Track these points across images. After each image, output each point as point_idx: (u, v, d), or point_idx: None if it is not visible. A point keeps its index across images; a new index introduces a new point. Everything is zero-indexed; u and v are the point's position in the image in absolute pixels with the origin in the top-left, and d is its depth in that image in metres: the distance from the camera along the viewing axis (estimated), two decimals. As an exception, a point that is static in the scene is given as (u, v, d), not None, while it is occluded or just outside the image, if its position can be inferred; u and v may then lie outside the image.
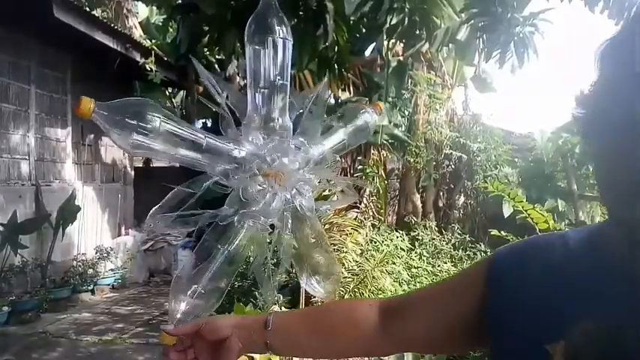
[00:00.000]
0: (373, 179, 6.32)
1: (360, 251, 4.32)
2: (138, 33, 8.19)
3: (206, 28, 3.78)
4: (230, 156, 0.91)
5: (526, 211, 4.57)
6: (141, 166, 8.91)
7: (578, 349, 0.57)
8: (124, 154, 7.74)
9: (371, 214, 6.10)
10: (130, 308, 5.86)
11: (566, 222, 6.35)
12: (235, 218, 0.91)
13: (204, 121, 10.19)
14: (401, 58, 6.89)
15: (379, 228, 5.67)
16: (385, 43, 4.95)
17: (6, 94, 5.66)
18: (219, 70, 8.25)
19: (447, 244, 6.16)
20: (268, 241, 0.99)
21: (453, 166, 7.47)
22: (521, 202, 4.69)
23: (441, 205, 7.65)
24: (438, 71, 7.59)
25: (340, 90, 6.99)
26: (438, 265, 5.42)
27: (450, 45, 4.49)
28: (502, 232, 4.51)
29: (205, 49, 5.86)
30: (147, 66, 6.49)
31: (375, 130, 5.53)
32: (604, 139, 0.58)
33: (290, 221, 0.95)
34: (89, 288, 6.21)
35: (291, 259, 1.02)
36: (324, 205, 1.08)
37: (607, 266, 0.60)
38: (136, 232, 7.61)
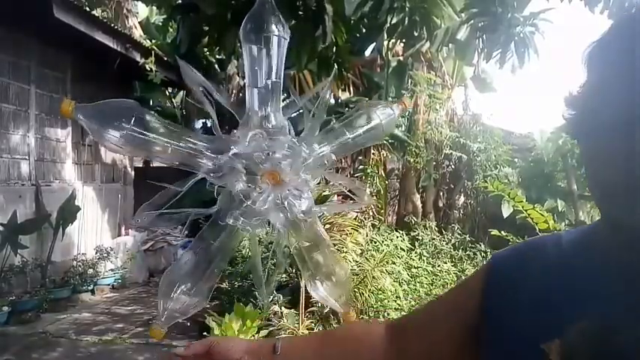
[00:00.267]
0: (373, 179, 6.32)
1: (360, 251, 4.32)
2: (138, 33, 8.19)
3: (206, 28, 3.78)
4: (216, 156, 0.91)
5: (526, 211, 4.57)
6: (141, 166, 8.90)
7: (573, 347, 0.57)
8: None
9: (371, 214, 6.10)
10: (129, 308, 5.86)
11: (566, 222, 6.36)
12: (219, 217, 0.92)
13: (204, 121, 10.20)
14: (401, 58, 6.90)
15: (379, 228, 5.67)
16: (385, 43, 4.96)
17: (6, 94, 5.66)
18: (219, 70, 8.26)
19: (447, 244, 6.16)
20: (269, 241, 0.99)
21: (453, 166, 7.47)
22: (521, 202, 4.69)
23: (441, 205, 7.65)
24: (438, 71, 7.59)
25: (340, 90, 6.99)
26: (438, 265, 5.42)
27: (450, 45, 4.49)
28: (502, 232, 4.51)
29: (205, 49, 5.86)
30: (147, 66, 6.49)
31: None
32: (593, 139, 0.58)
33: (284, 222, 0.94)
34: (89, 288, 6.21)
35: (286, 261, 1.02)
36: (322, 207, 1.07)
37: (602, 266, 0.61)
38: (136, 232, 7.60)
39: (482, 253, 5.96)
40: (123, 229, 7.55)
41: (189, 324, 4.39)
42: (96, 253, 6.55)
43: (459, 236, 6.47)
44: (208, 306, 4.67)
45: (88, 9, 6.14)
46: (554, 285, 0.63)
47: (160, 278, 0.96)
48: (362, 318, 3.86)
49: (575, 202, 6.59)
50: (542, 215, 4.49)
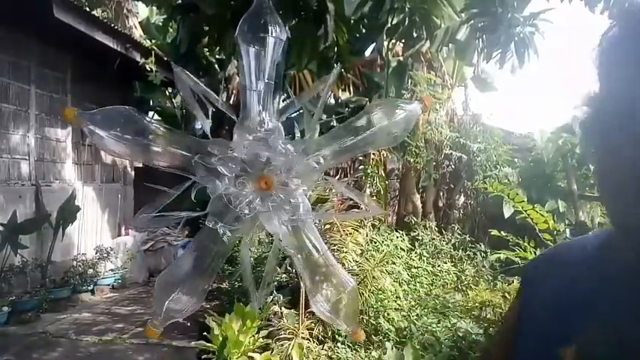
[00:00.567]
0: (373, 179, 6.31)
1: (360, 251, 4.31)
2: (138, 33, 8.18)
3: (206, 28, 3.78)
4: (207, 160, 0.90)
5: (526, 211, 4.56)
6: (141, 166, 8.90)
7: (588, 354, 0.57)
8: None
9: (371, 214, 6.10)
10: (129, 308, 5.85)
11: (566, 222, 6.35)
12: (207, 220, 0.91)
13: (204, 121, 10.18)
14: (401, 58, 6.89)
15: (379, 228, 5.66)
16: (385, 43, 4.95)
17: (6, 94, 5.66)
18: (219, 70, 8.25)
19: (447, 244, 6.15)
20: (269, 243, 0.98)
21: (453, 166, 7.47)
22: (521, 202, 4.69)
23: (441, 205, 7.64)
24: (438, 71, 7.59)
25: (340, 90, 6.99)
26: (438, 265, 5.42)
27: (450, 45, 4.48)
28: (502, 232, 4.51)
29: (205, 49, 5.86)
30: (147, 66, 6.48)
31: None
32: (605, 141, 0.57)
33: (276, 226, 0.93)
34: (89, 288, 6.21)
35: (277, 264, 1.01)
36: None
37: (616, 271, 0.60)
38: (136, 232, 7.60)
39: (482, 253, 5.96)
40: (123, 229, 7.55)
41: (189, 324, 4.40)
42: (96, 253, 6.55)
43: (459, 236, 6.47)
44: (208, 306, 4.67)
45: (88, 9, 6.13)
46: (573, 290, 0.63)
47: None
48: (362, 318, 3.86)
49: (575, 203, 6.59)
50: (542, 215, 4.49)
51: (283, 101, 1.05)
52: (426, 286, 4.83)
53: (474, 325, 3.52)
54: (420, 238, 6.10)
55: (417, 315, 4.09)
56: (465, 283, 5.16)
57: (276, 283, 3.74)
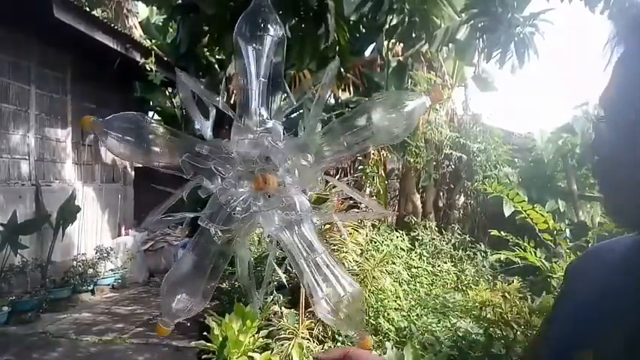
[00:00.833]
0: (373, 179, 6.31)
1: (360, 251, 4.31)
2: (138, 33, 8.19)
3: (206, 28, 3.78)
4: (206, 160, 0.91)
5: (525, 211, 4.57)
6: (141, 166, 8.90)
7: None
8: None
9: (371, 214, 6.09)
10: (129, 308, 5.86)
11: (567, 222, 6.36)
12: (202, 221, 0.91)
13: (204, 121, 10.17)
14: (401, 58, 6.89)
15: (379, 228, 5.66)
16: (385, 43, 4.95)
17: (6, 94, 5.67)
18: (219, 70, 8.25)
19: (447, 244, 6.15)
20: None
21: (453, 166, 7.47)
22: (521, 202, 4.69)
23: (441, 205, 7.64)
24: (438, 71, 7.59)
25: (340, 90, 6.99)
26: (438, 265, 5.42)
27: (450, 45, 4.48)
28: (502, 232, 4.51)
29: (205, 49, 5.86)
30: (147, 66, 6.49)
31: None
32: (615, 142, 0.57)
33: (274, 228, 0.92)
34: (89, 288, 6.21)
35: (274, 266, 0.99)
36: (317, 214, 1.00)
37: (636, 276, 0.59)
38: (136, 232, 7.61)
39: (482, 253, 5.96)
40: (123, 229, 7.55)
41: (189, 324, 4.40)
42: (96, 253, 6.55)
43: (459, 236, 6.47)
44: (208, 306, 4.67)
45: (88, 9, 6.14)
46: (598, 294, 0.63)
47: (161, 278, 0.96)
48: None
49: (575, 202, 6.59)
50: (541, 215, 4.50)
51: (283, 100, 1.04)
52: (426, 286, 4.83)
53: (473, 325, 3.52)
54: (420, 238, 6.10)
55: (417, 315, 4.09)
56: (465, 283, 5.16)
57: (275, 283, 3.74)
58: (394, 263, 4.60)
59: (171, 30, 8.25)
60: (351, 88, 7.20)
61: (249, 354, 3.47)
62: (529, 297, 3.59)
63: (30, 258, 5.55)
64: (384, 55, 6.32)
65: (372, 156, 6.67)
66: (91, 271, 6.26)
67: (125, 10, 8.41)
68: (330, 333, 3.80)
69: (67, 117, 6.67)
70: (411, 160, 6.90)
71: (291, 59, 3.30)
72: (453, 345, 3.46)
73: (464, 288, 5.03)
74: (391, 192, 7.81)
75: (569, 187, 6.67)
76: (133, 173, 8.33)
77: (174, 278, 0.93)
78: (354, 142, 0.92)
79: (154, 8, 8.36)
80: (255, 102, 0.93)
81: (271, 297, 3.98)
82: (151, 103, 10.49)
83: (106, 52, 6.24)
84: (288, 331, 3.67)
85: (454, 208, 7.60)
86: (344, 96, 7.17)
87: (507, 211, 5.82)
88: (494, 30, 3.30)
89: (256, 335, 3.58)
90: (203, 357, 3.62)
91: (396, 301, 4.15)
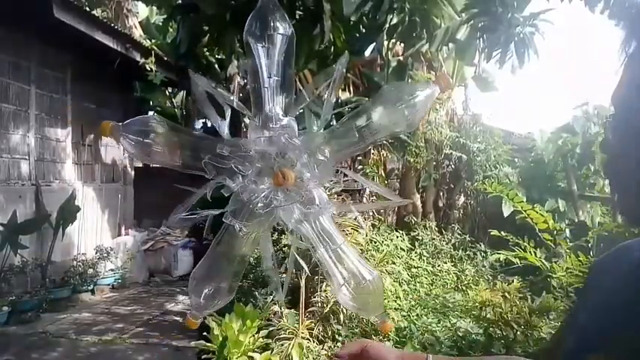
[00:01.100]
0: (373, 179, 6.31)
1: (360, 251, 4.31)
2: (138, 33, 8.18)
3: (206, 28, 3.78)
4: (222, 158, 0.92)
5: (525, 211, 4.57)
6: (141, 166, 8.90)
7: None
8: (123, 153, 7.75)
9: (371, 214, 6.10)
10: (129, 308, 5.86)
11: (567, 222, 6.36)
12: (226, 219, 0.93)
13: (204, 121, 10.18)
14: (401, 58, 6.88)
15: (379, 228, 5.66)
16: (385, 43, 4.95)
17: (6, 94, 5.67)
18: (219, 70, 8.25)
19: (447, 244, 6.16)
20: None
21: (453, 166, 7.47)
22: (521, 202, 4.69)
23: (441, 205, 7.64)
24: (438, 71, 7.58)
25: (340, 90, 6.99)
26: (438, 265, 5.42)
27: (450, 45, 4.48)
28: (502, 232, 4.51)
29: (205, 49, 5.86)
30: (147, 66, 6.48)
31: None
32: (626, 141, 0.57)
33: (294, 222, 0.95)
34: (89, 288, 6.21)
35: (294, 263, 1.02)
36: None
37: None
38: (136, 232, 7.61)
39: (482, 253, 5.96)
40: (123, 229, 7.55)
41: (189, 324, 4.39)
42: (96, 253, 6.55)
43: (459, 236, 6.47)
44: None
45: (88, 9, 6.14)
46: (614, 297, 0.62)
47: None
48: (362, 318, 3.85)
49: (575, 202, 6.59)
50: (541, 215, 4.50)
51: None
52: (426, 286, 4.84)
53: (473, 325, 3.52)
54: (420, 238, 6.11)
55: (417, 315, 4.09)
56: (465, 282, 5.17)
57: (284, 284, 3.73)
58: (394, 263, 4.61)
59: (171, 30, 8.24)
60: (351, 88, 7.20)
61: (249, 354, 3.46)
62: (529, 297, 3.60)
63: (30, 258, 5.54)
64: (384, 54, 6.32)
65: (372, 156, 6.68)
66: (91, 271, 6.25)
67: (125, 10, 8.40)
68: (330, 333, 3.80)
69: (67, 117, 6.67)
70: (411, 160, 6.90)
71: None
72: (453, 345, 3.46)
73: (464, 288, 5.03)
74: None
75: (569, 187, 6.67)
76: (132, 173, 8.33)
77: (201, 274, 0.98)
78: (367, 133, 0.94)
79: (154, 8, 8.36)
80: (268, 100, 0.95)
81: (271, 297, 3.98)
82: (151, 103, 10.49)
83: (106, 52, 6.24)
84: (288, 331, 3.67)
85: (454, 208, 7.60)
86: (344, 96, 7.17)
87: (507, 211, 5.82)
88: (494, 30, 3.30)
89: (256, 335, 3.58)
90: (203, 357, 3.62)
91: (396, 301, 4.15)
